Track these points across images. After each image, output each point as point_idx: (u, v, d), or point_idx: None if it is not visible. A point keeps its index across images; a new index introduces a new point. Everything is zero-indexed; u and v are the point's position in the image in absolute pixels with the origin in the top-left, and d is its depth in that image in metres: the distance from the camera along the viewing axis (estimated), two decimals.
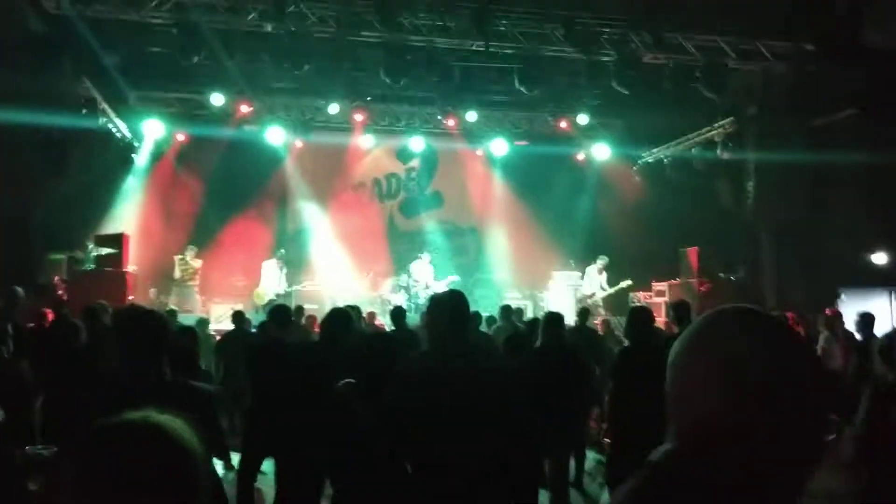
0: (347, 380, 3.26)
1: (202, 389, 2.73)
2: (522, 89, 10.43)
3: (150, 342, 2.53)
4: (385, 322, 11.57)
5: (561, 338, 5.49)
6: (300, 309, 9.18)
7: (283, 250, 12.96)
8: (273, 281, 12.39)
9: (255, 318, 9.82)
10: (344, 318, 4.49)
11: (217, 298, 12.79)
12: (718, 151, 12.37)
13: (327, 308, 8.18)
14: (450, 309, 3.15)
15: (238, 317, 8.23)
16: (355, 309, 7.05)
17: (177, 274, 12.26)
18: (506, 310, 9.04)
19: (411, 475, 2.98)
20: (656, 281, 13.34)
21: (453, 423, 2.85)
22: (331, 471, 3.32)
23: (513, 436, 3.03)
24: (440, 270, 13.67)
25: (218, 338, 8.76)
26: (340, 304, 7.93)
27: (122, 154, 12.83)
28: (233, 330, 8.16)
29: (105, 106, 11.56)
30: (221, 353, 7.72)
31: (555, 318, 5.54)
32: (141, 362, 2.52)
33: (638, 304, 9.51)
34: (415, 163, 15.94)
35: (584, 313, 8.56)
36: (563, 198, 14.65)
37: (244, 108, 13.27)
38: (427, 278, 13.25)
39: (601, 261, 13.03)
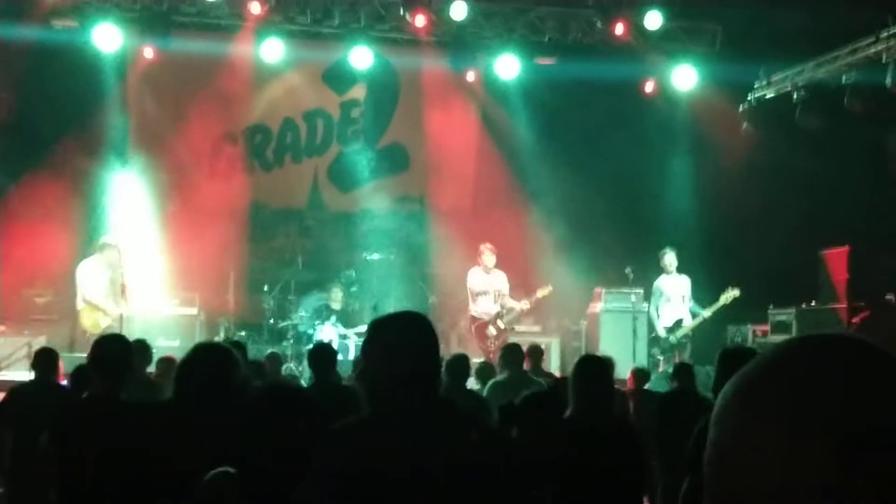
0: (223, 469, 3.23)
1: None
2: None
3: None
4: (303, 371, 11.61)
5: (608, 403, 5.50)
6: (144, 347, 9.09)
7: (113, 242, 12.78)
8: (102, 294, 12.30)
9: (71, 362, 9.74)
10: (220, 364, 4.46)
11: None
12: (888, 80, 12.46)
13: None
14: (406, 345, 3.15)
15: (45, 360, 8.12)
16: (239, 347, 7.01)
17: None
18: (511, 352, 9.03)
19: None
20: (776, 307, 13.47)
21: None
22: None
23: None
24: (398, 282, 13.71)
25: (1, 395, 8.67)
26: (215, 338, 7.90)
27: None
28: (30, 382, 8.10)
29: None
30: (9, 422, 7.65)
31: (596, 367, 5.54)
32: None
33: (735, 346, 9.53)
34: (357, 92, 16.09)
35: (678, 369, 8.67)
36: (614, 158, 14.80)
37: None
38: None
39: (670, 257, 13.09)
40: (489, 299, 13.09)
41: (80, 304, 12.41)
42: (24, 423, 7.35)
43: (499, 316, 12.93)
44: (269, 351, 10.79)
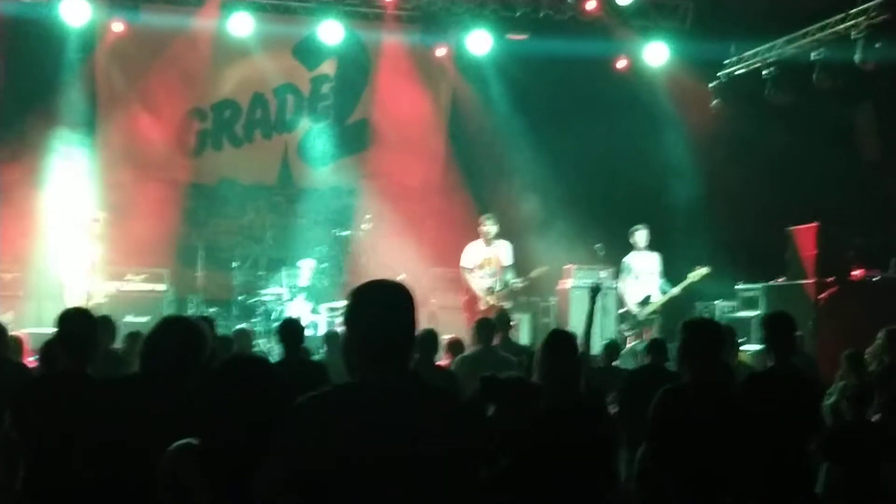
0: (185, 440, 3.22)
1: None
2: None
3: None
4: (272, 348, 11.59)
5: (575, 377, 5.50)
6: (107, 322, 9.04)
7: (99, 213, 12.77)
8: (77, 269, 12.23)
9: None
10: (187, 338, 4.44)
11: None
12: (857, 56, 12.50)
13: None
14: (385, 313, 3.13)
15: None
16: (208, 321, 6.99)
17: None
18: (481, 327, 9.03)
19: None
20: (744, 282, 13.56)
21: None
22: None
23: None
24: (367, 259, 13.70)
25: None
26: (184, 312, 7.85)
27: None
28: None
29: None
30: None
31: (562, 341, 5.53)
32: None
33: (698, 318, 9.54)
34: (328, 67, 16.04)
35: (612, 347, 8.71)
36: (586, 135, 14.75)
37: None
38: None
39: (641, 234, 13.06)
40: (485, 273, 12.92)
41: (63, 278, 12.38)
42: None
43: (490, 291, 12.83)
44: (237, 327, 10.75)
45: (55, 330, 5.76)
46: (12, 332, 9.68)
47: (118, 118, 14.58)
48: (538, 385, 5.81)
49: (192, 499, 3.11)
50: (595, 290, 9.32)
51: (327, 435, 2.96)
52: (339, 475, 2.90)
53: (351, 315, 3.19)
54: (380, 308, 3.15)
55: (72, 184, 13.82)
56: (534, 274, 13.04)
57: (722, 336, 5.64)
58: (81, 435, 4.35)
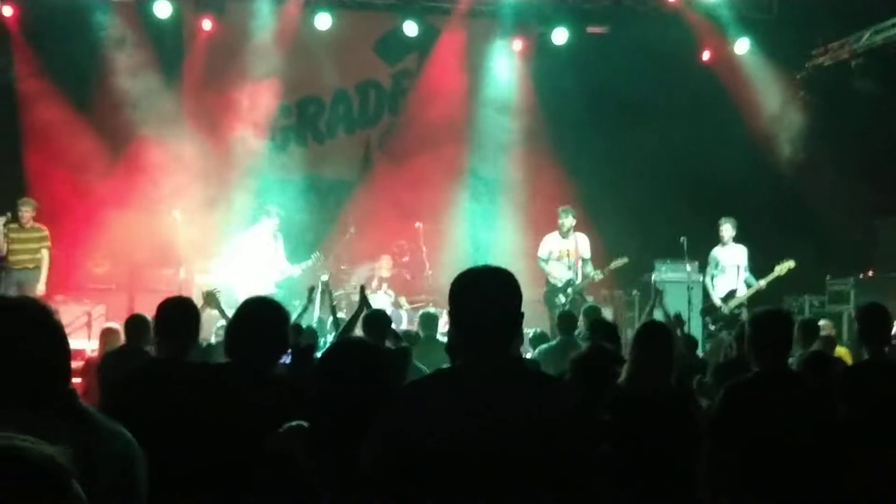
0: (296, 422, 3.30)
1: None
2: None
3: None
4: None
5: (668, 368, 5.49)
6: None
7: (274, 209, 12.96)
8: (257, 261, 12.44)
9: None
10: (272, 319, 4.51)
11: (59, 295, 12.87)
12: None
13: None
14: (484, 298, 3.13)
15: (136, 326, 7.96)
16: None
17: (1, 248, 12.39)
18: (565, 319, 9.05)
19: None
20: (833, 278, 13.40)
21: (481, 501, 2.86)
22: None
23: None
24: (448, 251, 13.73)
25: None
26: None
27: None
28: (120, 348, 8.12)
29: None
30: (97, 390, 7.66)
31: (657, 333, 5.53)
32: None
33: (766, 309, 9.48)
34: (409, 63, 16.14)
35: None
36: (669, 128, 14.67)
37: None
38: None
39: (728, 228, 12.96)
40: (563, 265, 12.94)
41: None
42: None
43: (569, 283, 12.82)
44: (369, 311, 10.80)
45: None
46: (106, 325, 10.00)
47: (205, 115, 14.68)
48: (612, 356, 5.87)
49: (299, 479, 3.16)
50: (657, 292, 9.53)
51: (425, 419, 2.99)
52: (436, 458, 2.92)
53: (452, 301, 3.17)
54: (479, 293, 3.14)
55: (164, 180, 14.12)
56: (613, 265, 12.91)
57: (792, 325, 5.44)
58: (184, 421, 4.42)
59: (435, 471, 2.92)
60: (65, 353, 2.63)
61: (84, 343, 11.29)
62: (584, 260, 13.01)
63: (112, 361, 7.81)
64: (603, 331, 8.11)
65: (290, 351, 5.68)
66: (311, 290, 10.37)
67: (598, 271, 12.94)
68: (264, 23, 14.67)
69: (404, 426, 3.01)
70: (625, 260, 12.91)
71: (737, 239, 13.01)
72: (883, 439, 5.47)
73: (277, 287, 12.14)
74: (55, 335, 2.60)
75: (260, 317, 4.50)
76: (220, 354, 5.36)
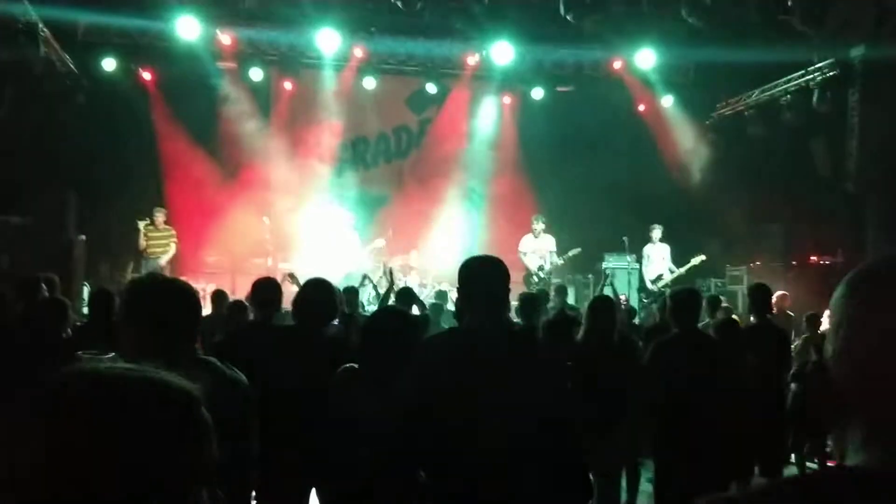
0: (350, 364, 3.28)
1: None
2: (569, 18, 10.36)
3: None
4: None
5: (611, 327, 5.48)
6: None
7: (266, 217, 13.08)
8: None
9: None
10: (330, 294, 4.50)
11: (182, 277, 12.81)
12: (814, 102, 12.19)
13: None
14: (484, 277, 3.15)
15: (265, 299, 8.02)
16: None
17: (141, 244, 12.39)
18: (560, 290, 9.27)
19: (426, 485, 3.00)
20: (731, 265, 13.30)
21: (488, 423, 2.85)
22: (321, 476, 3.34)
23: (560, 445, 3.01)
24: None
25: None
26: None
27: (65, 92, 12.79)
28: (251, 322, 8.00)
29: (46, 33, 11.53)
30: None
31: (605, 304, 5.56)
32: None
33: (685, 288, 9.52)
34: (431, 113, 16.07)
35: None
36: (614, 160, 14.56)
37: (225, 41, 13.48)
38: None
39: (656, 231, 13.00)
40: (535, 256, 13.10)
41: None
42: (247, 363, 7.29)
43: (540, 269, 12.98)
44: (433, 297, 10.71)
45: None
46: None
47: (286, 152, 14.65)
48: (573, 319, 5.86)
49: (356, 407, 3.18)
50: (606, 276, 9.98)
51: (443, 364, 3.00)
52: (451, 395, 2.90)
53: (461, 280, 3.17)
54: (480, 274, 3.15)
55: (258, 193, 13.99)
56: (570, 254, 12.98)
57: (701, 300, 5.39)
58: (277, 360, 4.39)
59: (450, 404, 2.89)
60: (198, 319, 2.70)
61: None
62: (551, 252, 13.12)
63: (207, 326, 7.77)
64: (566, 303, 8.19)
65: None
66: (364, 277, 10.47)
67: (560, 259, 13.03)
68: (328, 83, 14.68)
69: (430, 365, 3.02)
70: (578, 250, 12.95)
71: (663, 239, 13.04)
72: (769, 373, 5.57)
73: (346, 275, 12.04)
74: (195, 308, 2.66)
75: (315, 293, 4.49)
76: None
